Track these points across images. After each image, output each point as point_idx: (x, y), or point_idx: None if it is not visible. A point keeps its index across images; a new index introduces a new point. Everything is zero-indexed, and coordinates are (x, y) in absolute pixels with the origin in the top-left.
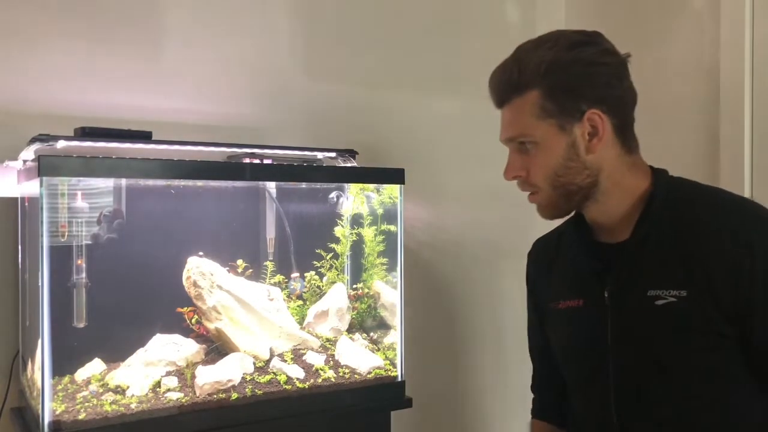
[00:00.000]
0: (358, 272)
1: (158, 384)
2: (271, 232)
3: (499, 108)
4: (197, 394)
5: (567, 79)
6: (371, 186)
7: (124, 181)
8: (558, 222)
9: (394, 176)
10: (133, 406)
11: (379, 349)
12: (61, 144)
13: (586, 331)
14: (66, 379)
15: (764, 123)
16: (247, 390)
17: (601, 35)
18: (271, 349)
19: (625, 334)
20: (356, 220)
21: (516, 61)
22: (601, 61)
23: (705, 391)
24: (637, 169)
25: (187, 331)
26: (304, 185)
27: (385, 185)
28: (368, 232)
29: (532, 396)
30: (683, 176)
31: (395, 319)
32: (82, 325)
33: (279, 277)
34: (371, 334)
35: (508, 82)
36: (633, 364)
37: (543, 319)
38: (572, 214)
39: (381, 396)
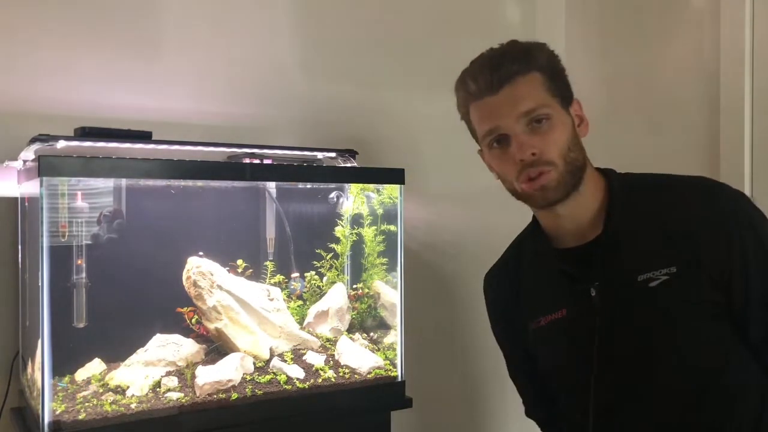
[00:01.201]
0: (358, 272)
1: (158, 384)
2: (271, 232)
3: (495, 92)
4: (197, 394)
5: (560, 67)
6: (371, 186)
7: (124, 181)
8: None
9: (394, 176)
10: (133, 406)
11: (379, 349)
12: (61, 144)
13: (576, 340)
14: (66, 379)
15: (764, 123)
16: (247, 390)
17: None
18: (271, 349)
19: (623, 325)
20: (356, 220)
21: (515, 46)
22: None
23: (708, 365)
24: (592, 166)
25: (187, 331)
26: (304, 185)
27: (385, 185)
28: (368, 232)
29: (530, 421)
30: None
31: (395, 319)
32: (82, 325)
33: (279, 277)
34: (371, 334)
35: (512, 63)
36: (632, 356)
37: (525, 340)
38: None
39: (381, 396)
